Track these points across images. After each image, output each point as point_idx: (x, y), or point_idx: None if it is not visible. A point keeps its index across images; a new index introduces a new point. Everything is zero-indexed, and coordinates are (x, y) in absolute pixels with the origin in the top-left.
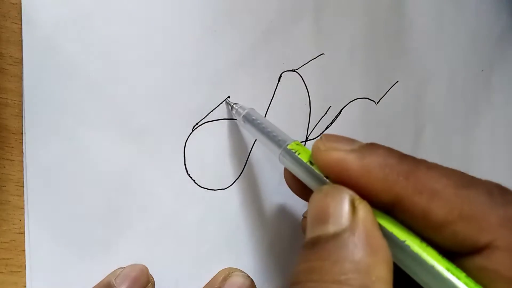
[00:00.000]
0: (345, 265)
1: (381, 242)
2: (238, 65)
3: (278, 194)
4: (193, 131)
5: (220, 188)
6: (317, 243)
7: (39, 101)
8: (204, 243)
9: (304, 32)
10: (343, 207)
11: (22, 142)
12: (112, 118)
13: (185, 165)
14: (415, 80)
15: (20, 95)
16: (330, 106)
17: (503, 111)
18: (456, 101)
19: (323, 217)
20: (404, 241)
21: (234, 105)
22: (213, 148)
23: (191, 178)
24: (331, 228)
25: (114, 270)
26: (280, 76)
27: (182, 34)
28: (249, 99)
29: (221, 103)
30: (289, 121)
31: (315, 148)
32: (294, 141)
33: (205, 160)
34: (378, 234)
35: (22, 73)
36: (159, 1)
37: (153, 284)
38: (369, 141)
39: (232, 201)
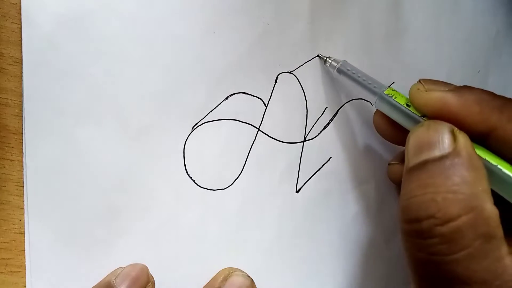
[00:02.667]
0: (455, 179)
1: (480, 162)
2: (236, 66)
3: (277, 194)
4: (192, 131)
5: (220, 188)
6: (425, 165)
7: (39, 101)
8: (204, 243)
9: (300, 34)
10: (446, 135)
11: (22, 142)
12: (112, 118)
13: (184, 165)
14: (411, 81)
15: (20, 95)
16: (326, 107)
17: None
18: None
19: (428, 145)
20: (497, 165)
21: (327, 59)
22: (212, 148)
23: (190, 178)
24: (437, 153)
25: (114, 270)
26: (277, 77)
27: (182, 35)
28: (247, 100)
29: (220, 103)
30: (287, 121)
31: (414, 90)
32: (390, 87)
33: (205, 160)
34: (477, 156)
35: (22, 73)
36: (159, 1)
37: (153, 284)
38: (367, 141)
39: (231, 201)
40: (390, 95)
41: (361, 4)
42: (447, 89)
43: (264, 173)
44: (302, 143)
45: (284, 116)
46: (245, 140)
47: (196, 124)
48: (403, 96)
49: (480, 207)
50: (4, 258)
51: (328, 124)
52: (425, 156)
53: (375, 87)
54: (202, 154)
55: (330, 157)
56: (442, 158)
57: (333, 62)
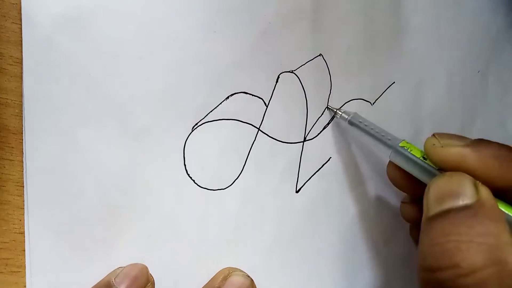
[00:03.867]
0: (479, 229)
1: (502, 215)
2: (237, 66)
3: (277, 194)
4: (192, 131)
5: (220, 188)
6: (448, 213)
7: (39, 101)
8: (204, 243)
9: (302, 33)
10: (468, 186)
11: (22, 142)
12: (112, 118)
13: (184, 165)
14: (412, 81)
15: (20, 95)
16: (326, 107)
17: (499, 111)
18: (452, 101)
19: (450, 194)
20: None
21: (337, 111)
22: (212, 148)
23: (190, 178)
24: (461, 202)
25: (114, 270)
26: (278, 77)
27: (182, 35)
28: (247, 100)
29: (221, 103)
30: (287, 121)
31: (429, 146)
32: (403, 140)
33: (205, 160)
34: (499, 209)
35: (22, 73)
36: (159, 1)
37: (153, 284)
38: (366, 141)
39: (231, 201)
40: (405, 148)
41: (362, 4)
42: (463, 143)
43: (264, 173)
44: (302, 143)
45: (285, 116)
46: (245, 140)
47: (196, 124)
48: (418, 149)
49: (504, 259)
50: (4, 258)
51: (328, 124)
52: (447, 205)
53: (389, 139)
54: (202, 154)
55: (330, 157)
56: (465, 208)
57: (343, 114)
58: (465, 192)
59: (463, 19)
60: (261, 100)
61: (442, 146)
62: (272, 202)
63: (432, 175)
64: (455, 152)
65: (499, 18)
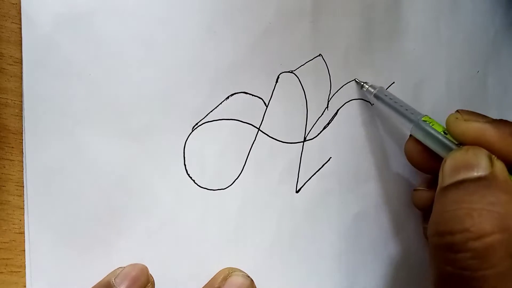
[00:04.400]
0: (490, 198)
1: None
2: (237, 66)
3: (277, 194)
4: (193, 131)
5: (220, 188)
6: (461, 183)
7: (39, 101)
8: (204, 243)
9: (302, 33)
10: (483, 159)
11: (22, 142)
12: (112, 118)
13: (185, 165)
14: (411, 81)
15: (20, 95)
16: (326, 107)
17: (498, 111)
18: (452, 102)
19: (465, 166)
20: None
21: (364, 84)
22: (213, 148)
23: (190, 178)
24: (475, 173)
25: (114, 270)
26: (278, 77)
27: (182, 35)
28: (248, 100)
29: (221, 103)
30: (287, 121)
31: (452, 119)
32: (426, 115)
33: (205, 160)
34: (511, 182)
35: (22, 73)
36: (159, 1)
37: (153, 284)
38: (367, 141)
39: (231, 201)
40: (427, 122)
41: (362, 5)
42: (484, 120)
43: (264, 173)
44: (302, 143)
45: (285, 116)
46: (245, 140)
47: (196, 124)
48: (439, 125)
49: None
50: (4, 258)
51: (328, 124)
52: (462, 176)
53: (412, 114)
54: (202, 154)
55: (330, 157)
56: (479, 178)
57: (370, 88)
58: (480, 164)
59: (462, 19)
60: (261, 100)
61: (464, 120)
62: (272, 202)
63: (451, 150)
64: (476, 126)
65: (498, 19)
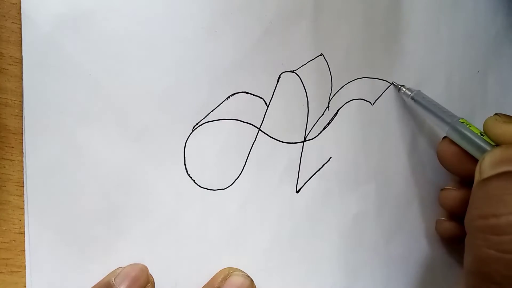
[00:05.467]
0: None
1: None
2: (238, 66)
3: (277, 194)
4: (193, 131)
5: (220, 188)
6: (503, 175)
7: (39, 101)
8: (204, 243)
9: (303, 33)
10: None
11: (22, 142)
12: (112, 118)
13: (185, 165)
14: (412, 81)
15: (20, 95)
16: (327, 107)
17: (498, 111)
18: (452, 102)
19: (508, 160)
20: None
21: (401, 87)
22: (213, 148)
23: (191, 178)
24: None
25: (114, 270)
26: (279, 76)
27: (183, 34)
28: (248, 100)
29: (221, 103)
30: (287, 121)
31: (491, 121)
32: (462, 117)
33: (205, 160)
34: None
35: (22, 73)
36: (159, 1)
37: (153, 284)
38: (367, 141)
39: (232, 201)
40: (465, 124)
41: (363, 4)
42: None
43: (264, 173)
44: (302, 143)
45: (285, 116)
46: (245, 140)
47: (197, 124)
48: (476, 128)
49: None
50: (4, 258)
51: (328, 124)
52: (504, 169)
53: (449, 115)
54: (203, 154)
55: (330, 157)
56: None
57: (407, 91)
58: None
59: (462, 19)
60: (262, 100)
61: (504, 122)
62: (272, 202)
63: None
64: None
65: (499, 19)
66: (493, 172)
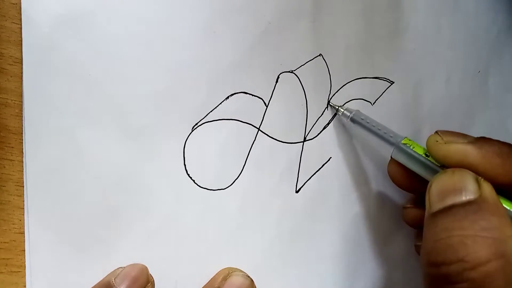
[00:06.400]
0: (482, 223)
1: (505, 210)
2: (237, 66)
3: (277, 194)
4: (192, 131)
5: (220, 188)
6: (450, 209)
7: (39, 101)
8: (204, 243)
9: (302, 33)
10: (471, 182)
11: (22, 142)
12: (112, 118)
13: (185, 165)
14: (411, 81)
15: (20, 95)
16: (326, 107)
17: (499, 112)
18: (452, 101)
19: (453, 191)
20: None
21: (339, 108)
22: (212, 148)
23: (190, 178)
24: (463, 198)
25: (114, 270)
26: (278, 77)
27: (182, 35)
28: (247, 100)
29: (221, 103)
30: (287, 121)
31: (432, 142)
32: (405, 137)
33: (205, 160)
34: (501, 204)
35: (22, 73)
36: (159, 1)
37: (153, 284)
38: (367, 141)
39: (231, 201)
40: (408, 145)
41: (362, 4)
42: (466, 141)
43: (264, 173)
44: (302, 143)
45: (285, 116)
46: (245, 140)
47: (196, 124)
48: (420, 147)
49: (509, 252)
50: (4, 258)
51: (328, 124)
52: (450, 201)
53: (391, 136)
54: (202, 154)
55: (330, 157)
56: (468, 203)
57: (345, 112)
58: (467, 188)
59: (463, 19)
60: (261, 100)
61: (445, 143)
62: (272, 202)
63: (435, 172)
64: (458, 148)
65: (500, 18)
66: (440, 206)
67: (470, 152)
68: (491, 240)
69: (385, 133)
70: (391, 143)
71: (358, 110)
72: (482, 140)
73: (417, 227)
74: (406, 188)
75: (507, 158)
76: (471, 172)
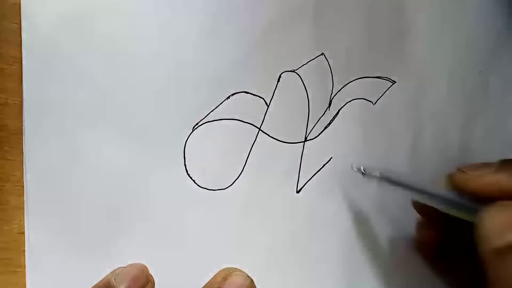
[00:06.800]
0: None
1: None
2: (238, 65)
3: (278, 194)
4: (193, 131)
5: (220, 188)
6: None
7: (39, 101)
8: (204, 243)
9: (304, 32)
10: None
11: (22, 142)
12: (112, 118)
13: (185, 165)
14: (413, 81)
15: (20, 95)
16: (328, 107)
17: (500, 112)
18: (453, 102)
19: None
20: None
21: (365, 170)
22: (213, 148)
23: (191, 178)
24: None
25: (114, 270)
26: (280, 76)
27: (183, 34)
28: (249, 99)
29: (222, 103)
30: (288, 121)
31: (462, 180)
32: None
33: (205, 160)
34: None
35: (22, 73)
36: (159, 1)
37: (153, 284)
38: (368, 141)
39: (232, 201)
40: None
41: (365, 4)
42: (493, 170)
43: (264, 173)
44: (303, 143)
45: (286, 116)
46: (246, 140)
47: (197, 123)
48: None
49: None
50: (4, 258)
51: (329, 124)
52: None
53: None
54: (203, 154)
55: (331, 157)
56: None
57: (372, 172)
58: None
59: (465, 19)
60: (262, 99)
61: (473, 178)
62: (272, 202)
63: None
64: (489, 180)
65: (501, 19)
66: (505, 241)
67: (503, 181)
68: None
69: (424, 185)
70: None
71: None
72: (506, 165)
73: (429, 244)
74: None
75: None
76: None
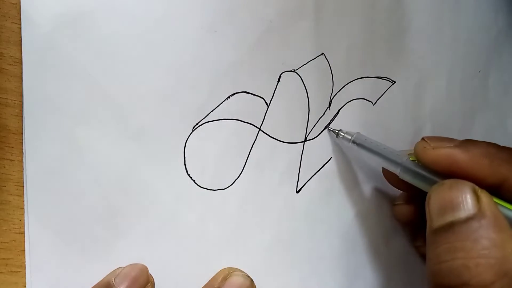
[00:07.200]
0: (484, 242)
1: (505, 222)
2: (238, 65)
3: (278, 194)
4: (193, 131)
5: (220, 188)
6: (451, 227)
7: (39, 101)
8: (204, 243)
9: (304, 32)
10: (469, 195)
11: (22, 142)
12: (112, 118)
13: (185, 165)
14: (413, 81)
15: (20, 95)
16: (328, 107)
17: (499, 111)
18: (453, 101)
19: (452, 205)
20: None
21: (339, 132)
22: (213, 148)
23: (191, 178)
24: (462, 214)
25: (114, 270)
26: (280, 76)
27: (183, 34)
28: (249, 100)
29: (222, 103)
30: (288, 121)
31: (420, 149)
32: (408, 154)
33: (205, 160)
34: (501, 216)
35: (22, 73)
36: (159, 1)
37: (153, 284)
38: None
39: (231, 201)
40: (415, 161)
41: (364, 4)
42: (452, 145)
43: (264, 173)
44: (302, 143)
45: (286, 116)
46: (246, 140)
47: (197, 123)
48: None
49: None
50: (4, 258)
51: (329, 123)
52: (450, 218)
53: (396, 155)
54: (203, 154)
55: (331, 157)
56: (468, 219)
57: (346, 135)
58: (466, 202)
59: (464, 19)
60: (262, 99)
61: (433, 148)
62: (272, 202)
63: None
64: (445, 153)
65: (500, 18)
66: (441, 222)
67: (457, 156)
68: (493, 260)
69: (390, 152)
70: (397, 164)
71: (359, 133)
72: (468, 143)
73: (409, 224)
74: (399, 186)
75: (494, 158)
76: (469, 184)
